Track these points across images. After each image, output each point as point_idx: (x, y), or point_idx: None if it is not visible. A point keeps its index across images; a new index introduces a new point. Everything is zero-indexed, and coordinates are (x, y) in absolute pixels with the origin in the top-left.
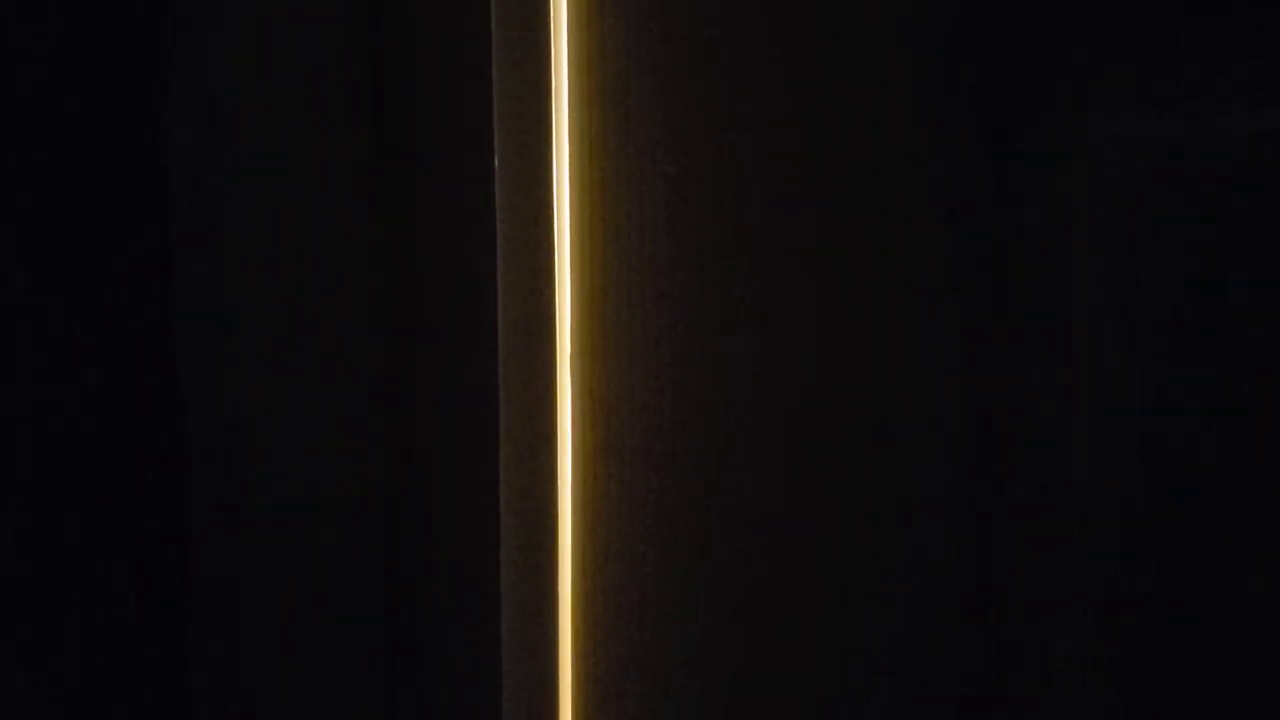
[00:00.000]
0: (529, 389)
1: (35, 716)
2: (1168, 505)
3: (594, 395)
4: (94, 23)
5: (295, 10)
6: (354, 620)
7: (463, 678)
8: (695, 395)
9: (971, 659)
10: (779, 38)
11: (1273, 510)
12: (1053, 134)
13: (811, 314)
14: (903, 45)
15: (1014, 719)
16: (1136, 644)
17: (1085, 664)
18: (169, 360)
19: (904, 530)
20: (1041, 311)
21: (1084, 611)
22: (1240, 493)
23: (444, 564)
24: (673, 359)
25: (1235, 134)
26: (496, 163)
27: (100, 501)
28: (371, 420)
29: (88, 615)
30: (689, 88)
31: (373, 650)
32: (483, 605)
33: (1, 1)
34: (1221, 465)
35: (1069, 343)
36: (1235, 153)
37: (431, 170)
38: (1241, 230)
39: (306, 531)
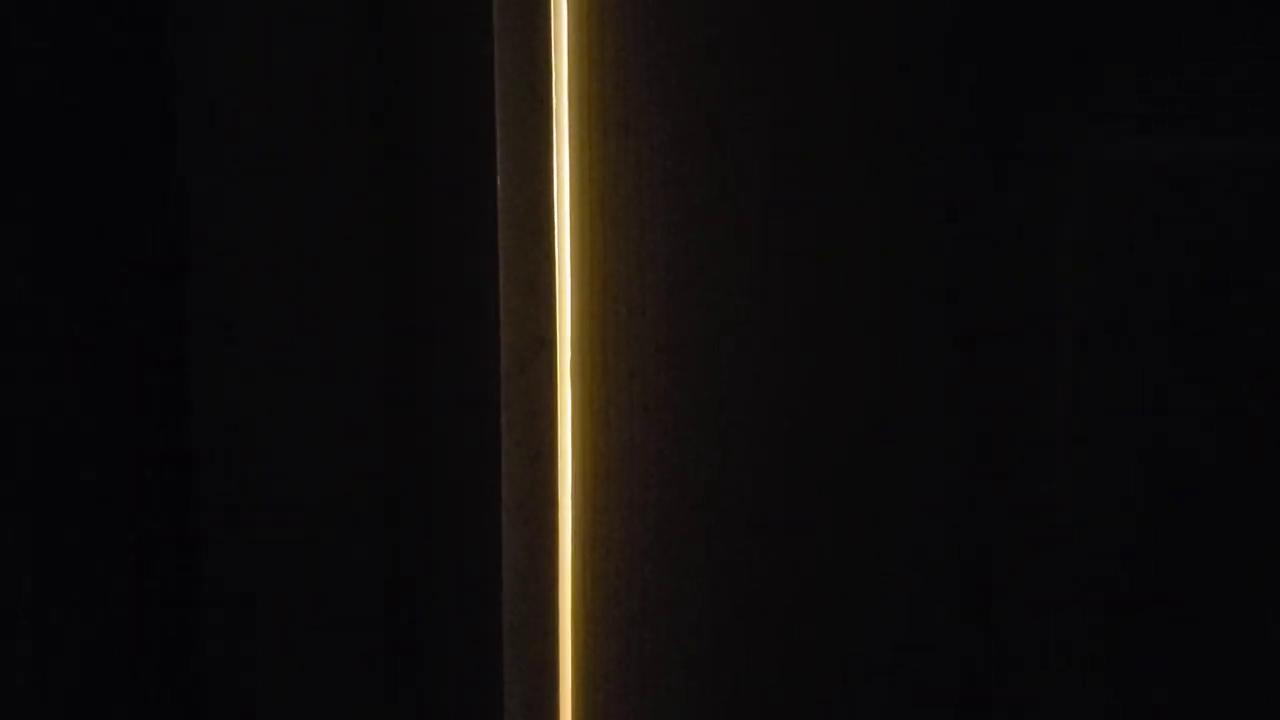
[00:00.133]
0: (530, 391)
1: (39, 716)
2: (1163, 503)
3: (594, 395)
4: (97, 24)
5: (296, 12)
6: (355, 620)
7: (463, 676)
8: (695, 395)
9: (971, 658)
10: (779, 38)
11: (1267, 511)
12: (1049, 145)
13: (811, 315)
14: (901, 56)
15: (1013, 718)
16: (1134, 643)
17: (1084, 664)
18: (176, 362)
19: (903, 530)
20: (1035, 316)
21: (1083, 611)
22: (1233, 495)
23: (445, 564)
24: (672, 359)
25: (1230, 149)
26: (498, 164)
27: (106, 501)
28: (373, 422)
29: (92, 614)
30: (688, 89)
31: (373, 649)
32: (484, 605)
33: (4, 2)
34: (1215, 466)
35: (1063, 349)
36: (1230, 168)
37: (433, 173)
38: (1235, 244)
39: (308, 531)
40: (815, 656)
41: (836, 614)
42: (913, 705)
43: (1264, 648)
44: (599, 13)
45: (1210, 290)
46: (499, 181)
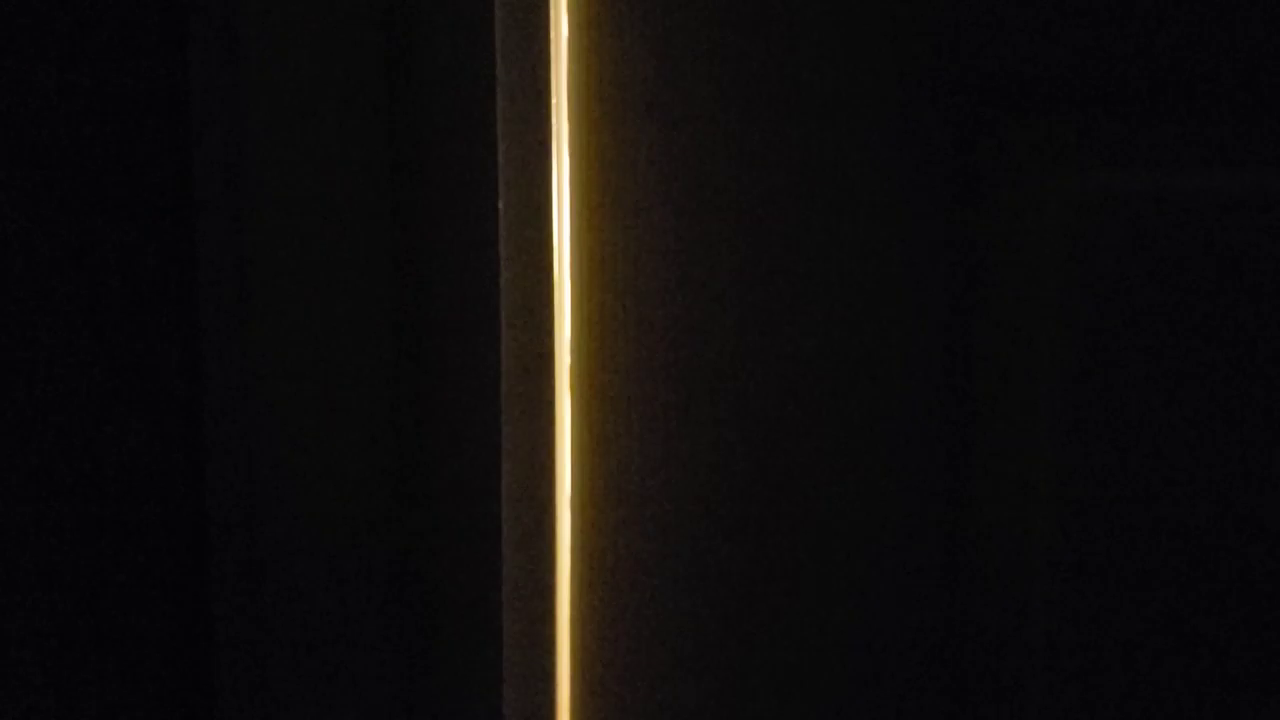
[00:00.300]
0: (530, 393)
1: (45, 714)
2: (1145, 512)
3: (594, 394)
4: (113, 20)
5: (307, 17)
6: (359, 620)
7: (464, 674)
8: (695, 394)
9: (961, 655)
10: (776, 46)
11: (1251, 528)
12: (1026, 174)
13: (811, 318)
14: (883, 85)
15: (1005, 717)
16: (1128, 642)
17: (1073, 666)
18: (191, 366)
19: (904, 532)
20: (1017, 341)
21: (1077, 614)
22: (1214, 507)
23: (447, 566)
24: (673, 361)
25: (1212, 190)
26: (500, 164)
27: (116, 500)
28: (379, 428)
29: (98, 612)
30: (690, 98)
31: (376, 650)
32: (485, 603)
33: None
34: (1195, 483)
35: (1045, 371)
36: (1212, 197)
37: (436, 181)
38: (1215, 273)
39: (315, 532)
40: (815, 654)
41: (836, 612)
42: (913, 704)
43: (1257, 659)
44: (598, 41)
45: (1190, 319)
46: (500, 183)
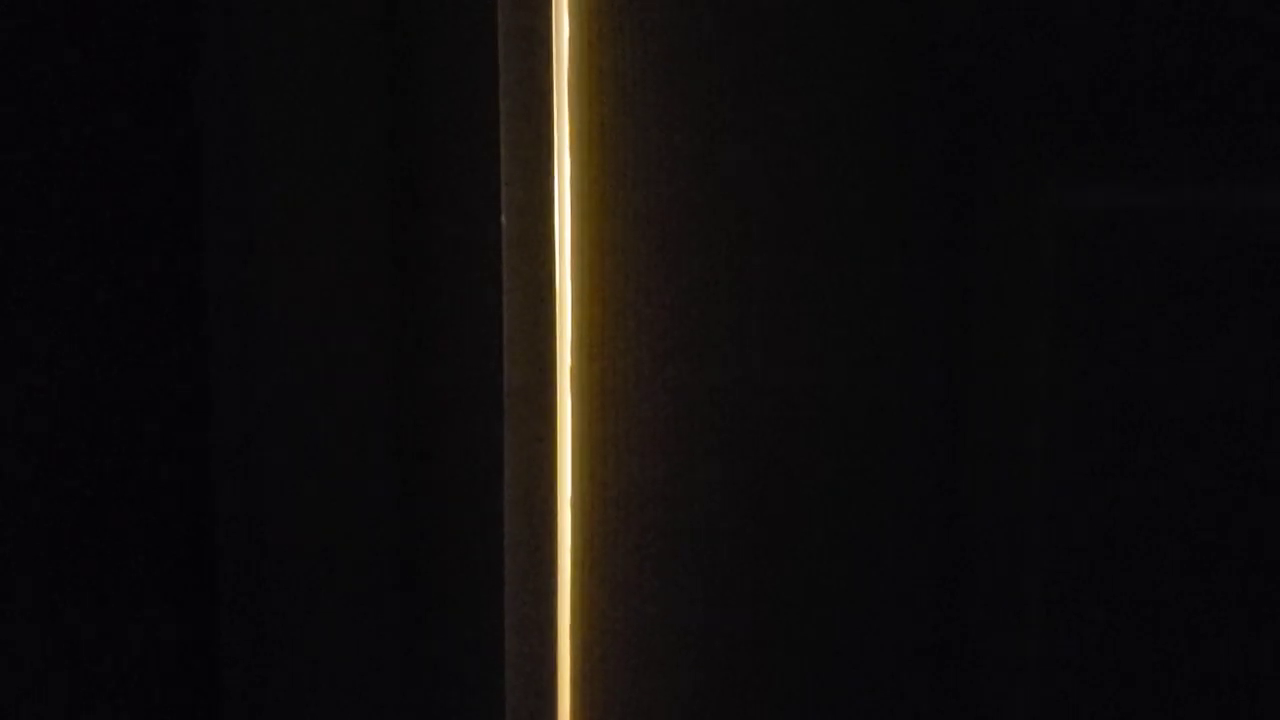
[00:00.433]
0: (531, 396)
1: (54, 711)
2: (1135, 507)
3: (594, 394)
4: (123, 26)
5: (309, 17)
6: (363, 621)
7: (466, 675)
8: (695, 397)
9: (966, 660)
10: (774, 48)
11: (1243, 542)
12: (1017, 193)
13: (814, 321)
14: (871, 108)
15: (1000, 711)
16: (1119, 642)
17: (1067, 664)
18: (199, 364)
19: (906, 532)
20: (1006, 362)
21: (1073, 618)
22: (1203, 519)
23: (450, 562)
24: (673, 361)
25: (1201, 210)
26: (501, 169)
27: (123, 500)
28: (382, 427)
29: (104, 610)
30: (691, 101)
31: (380, 644)
32: (487, 605)
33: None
34: (1187, 497)
35: (1036, 393)
36: (1201, 216)
37: (438, 186)
38: (1204, 292)
39: (319, 535)
40: (815, 651)
41: (836, 609)
42: (912, 705)
43: (1256, 659)
44: (598, 39)
45: (1180, 338)
46: (503, 183)
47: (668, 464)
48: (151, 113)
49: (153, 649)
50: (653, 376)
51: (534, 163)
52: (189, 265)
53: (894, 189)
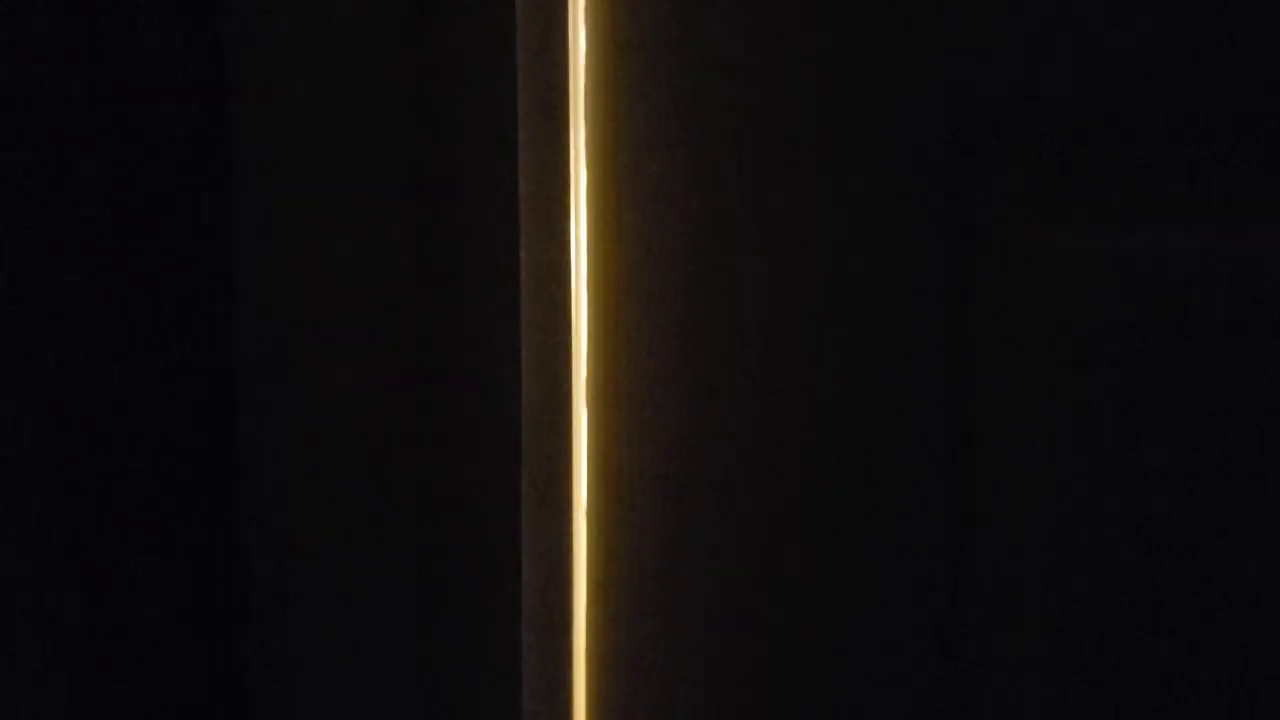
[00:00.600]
0: (547, 399)
1: (71, 710)
2: (1129, 531)
3: (609, 401)
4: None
5: (332, 20)
6: (382, 624)
7: (482, 677)
8: (709, 400)
9: (968, 662)
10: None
11: (1239, 571)
12: (1017, 235)
13: (825, 325)
14: (869, 142)
15: (1000, 711)
16: (1119, 642)
17: (1067, 664)
18: (226, 369)
19: (908, 540)
20: (1008, 402)
21: (1075, 619)
22: (1205, 534)
23: (468, 559)
24: (687, 363)
25: (1195, 251)
26: (519, 174)
27: (149, 502)
28: (401, 435)
29: (128, 607)
30: (706, 108)
31: (398, 653)
32: (503, 607)
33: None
34: (1185, 518)
35: (1038, 427)
36: (1200, 258)
37: (457, 193)
38: (1204, 334)
39: (342, 530)
40: (818, 653)
41: (843, 612)
42: (919, 705)
43: (1255, 660)
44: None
45: (1179, 379)
46: (521, 183)
47: (683, 470)
48: (180, 119)
49: (180, 649)
50: (668, 383)
51: (551, 171)
52: (217, 267)
53: (903, 217)
